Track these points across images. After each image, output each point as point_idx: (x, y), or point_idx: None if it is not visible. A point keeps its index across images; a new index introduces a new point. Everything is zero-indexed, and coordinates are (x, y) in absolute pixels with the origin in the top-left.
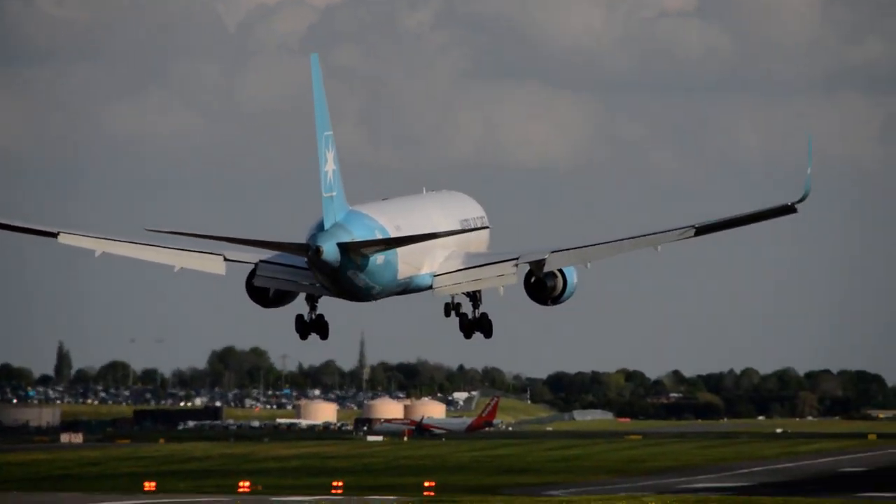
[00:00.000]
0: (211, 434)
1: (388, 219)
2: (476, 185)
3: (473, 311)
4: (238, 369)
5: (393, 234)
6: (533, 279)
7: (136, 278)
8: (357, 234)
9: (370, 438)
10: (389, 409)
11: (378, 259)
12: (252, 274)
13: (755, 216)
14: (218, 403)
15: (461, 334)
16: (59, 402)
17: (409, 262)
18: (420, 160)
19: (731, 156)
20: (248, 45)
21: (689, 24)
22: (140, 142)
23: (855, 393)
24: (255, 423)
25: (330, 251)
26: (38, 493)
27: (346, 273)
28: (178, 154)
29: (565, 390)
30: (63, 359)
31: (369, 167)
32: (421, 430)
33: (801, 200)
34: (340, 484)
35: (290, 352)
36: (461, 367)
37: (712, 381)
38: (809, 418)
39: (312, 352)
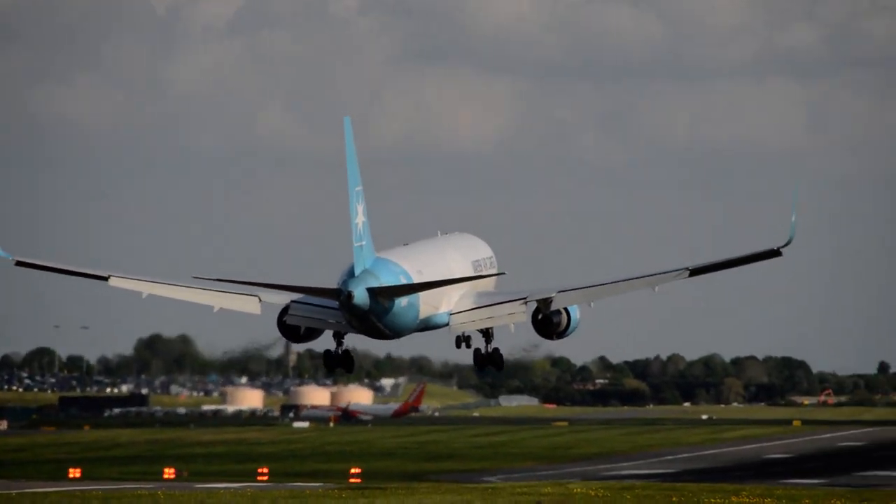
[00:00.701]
0: (137, 421)
1: (411, 264)
2: (406, 170)
3: (486, 346)
4: (165, 356)
5: (416, 278)
6: (540, 316)
7: None
8: (384, 280)
9: (296, 425)
10: (316, 395)
11: (402, 302)
12: (283, 312)
13: (744, 259)
14: (144, 391)
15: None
16: None
17: (429, 303)
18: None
19: (659, 140)
20: (176, 28)
21: (618, 9)
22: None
23: (780, 379)
24: (182, 410)
25: (360, 295)
26: None
27: (374, 314)
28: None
29: (492, 376)
30: None
31: (300, 151)
32: (347, 416)
33: (786, 245)
34: (266, 470)
35: (216, 339)
36: (388, 356)
37: (638, 368)
38: (735, 405)
39: (239, 339)
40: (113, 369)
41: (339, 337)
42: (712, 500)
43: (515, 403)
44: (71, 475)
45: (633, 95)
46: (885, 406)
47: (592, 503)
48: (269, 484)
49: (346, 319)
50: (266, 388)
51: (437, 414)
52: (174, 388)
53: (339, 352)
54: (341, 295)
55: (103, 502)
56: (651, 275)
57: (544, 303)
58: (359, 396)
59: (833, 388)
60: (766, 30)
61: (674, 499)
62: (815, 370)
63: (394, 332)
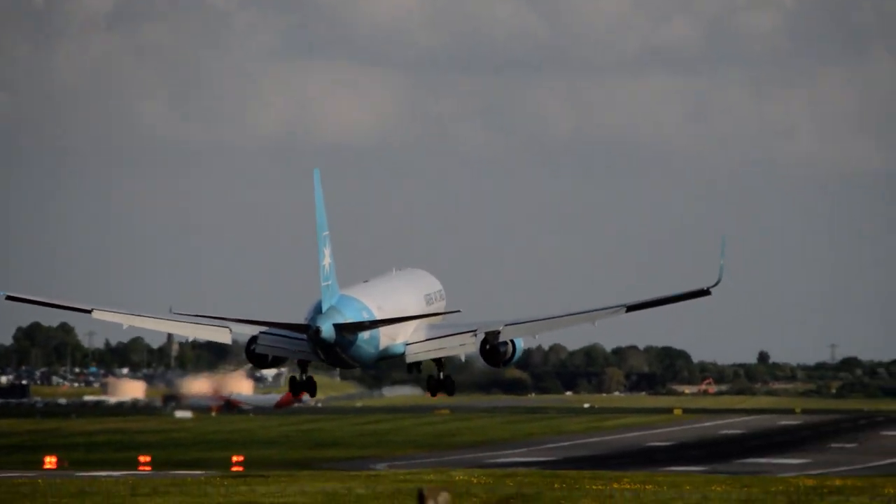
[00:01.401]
0: (17, 411)
1: (372, 300)
2: (282, 161)
3: (438, 373)
4: (45, 346)
5: (377, 314)
6: (488, 346)
7: None
8: (349, 316)
9: (178, 414)
10: (198, 385)
11: (365, 335)
12: (252, 341)
13: (676, 297)
14: (24, 381)
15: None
16: None
17: (388, 335)
18: (231, 136)
19: (539, 134)
20: (54, 21)
21: (499, 2)
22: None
23: (661, 369)
24: (62, 401)
25: (328, 330)
26: None
27: (339, 347)
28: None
29: (375, 368)
30: None
31: (181, 144)
32: (229, 406)
33: (715, 285)
34: (148, 459)
35: (96, 328)
36: None
37: (520, 357)
38: (616, 394)
39: (119, 329)
40: None
41: (304, 365)
42: (594, 487)
43: (399, 394)
44: None
45: (515, 90)
46: (764, 395)
47: (474, 490)
48: (150, 472)
49: (312, 350)
50: (148, 379)
51: (319, 405)
52: (55, 379)
53: (304, 378)
54: (310, 329)
55: None
56: (591, 311)
57: (493, 335)
58: (240, 386)
59: (714, 377)
60: (647, 23)
61: (556, 485)
62: (695, 360)
63: (356, 362)
